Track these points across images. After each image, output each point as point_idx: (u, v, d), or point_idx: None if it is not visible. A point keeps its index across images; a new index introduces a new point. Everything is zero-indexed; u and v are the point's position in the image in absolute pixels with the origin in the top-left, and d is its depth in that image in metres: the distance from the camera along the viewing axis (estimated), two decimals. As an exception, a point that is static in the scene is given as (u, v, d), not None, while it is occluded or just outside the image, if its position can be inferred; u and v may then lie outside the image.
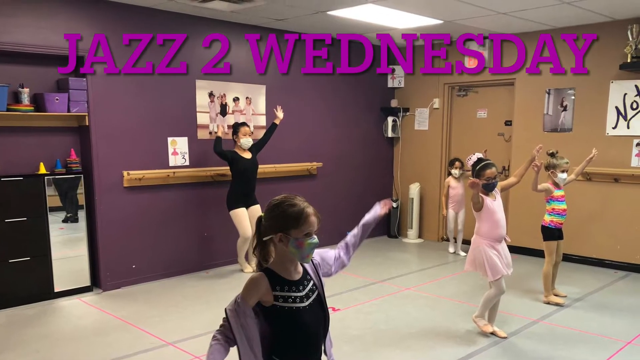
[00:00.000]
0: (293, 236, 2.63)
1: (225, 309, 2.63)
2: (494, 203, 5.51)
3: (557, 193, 6.58)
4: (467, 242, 7.28)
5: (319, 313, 2.78)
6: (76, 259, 6.96)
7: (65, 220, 6.90)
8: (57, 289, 6.74)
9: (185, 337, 5.59)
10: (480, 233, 5.55)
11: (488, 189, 5.47)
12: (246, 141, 7.56)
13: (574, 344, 5.51)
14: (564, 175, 6.55)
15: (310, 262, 2.84)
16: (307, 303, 2.72)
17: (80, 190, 6.88)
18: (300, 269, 2.80)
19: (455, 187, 9.03)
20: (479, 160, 5.54)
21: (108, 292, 7.12)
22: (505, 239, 5.60)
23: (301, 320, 2.69)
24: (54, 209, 6.76)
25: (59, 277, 6.76)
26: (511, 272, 5.57)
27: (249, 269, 7.82)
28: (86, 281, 7.01)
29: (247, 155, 7.65)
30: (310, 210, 2.70)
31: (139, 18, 7.14)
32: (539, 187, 6.43)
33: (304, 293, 2.73)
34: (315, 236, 2.70)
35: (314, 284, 2.81)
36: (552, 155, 6.60)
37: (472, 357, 5.21)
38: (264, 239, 2.71)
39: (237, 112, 8.27)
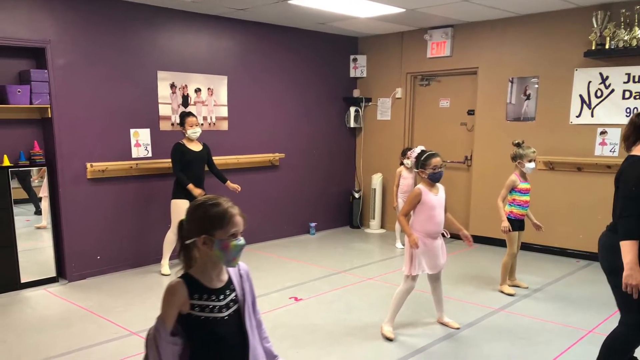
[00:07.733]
0: (218, 237, 2.63)
1: (147, 337, 2.72)
2: (435, 198, 5.60)
3: (522, 186, 6.88)
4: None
5: (239, 326, 2.80)
6: (42, 250, 7.51)
7: (37, 213, 7.50)
8: (23, 280, 7.29)
9: (149, 326, 5.93)
10: (413, 226, 5.63)
11: (434, 179, 5.57)
12: (193, 132, 7.72)
13: (535, 333, 5.85)
14: (532, 165, 6.84)
15: (238, 271, 2.86)
16: (225, 313, 2.72)
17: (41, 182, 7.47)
18: (225, 277, 2.80)
19: (407, 177, 9.32)
20: (423, 151, 5.66)
21: (73, 282, 7.67)
22: (443, 234, 5.76)
23: (217, 331, 2.70)
24: (19, 201, 7.28)
25: (24, 269, 7.28)
26: (434, 272, 5.73)
27: (167, 272, 7.99)
28: (52, 272, 7.56)
29: (196, 147, 7.86)
30: (235, 210, 2.70)
31: (101, 9, 7.62)
32: (506, 183, 6.91)
33: (224, 303, 2.73)
34: (241, 237, 2.71)
35: (237, 296, 2.81)
36: (518, 145, 6.90)
37: (433, 345, 5.55)
38: (187, 242, 2.70)
39: (199, 103, 8.81)
